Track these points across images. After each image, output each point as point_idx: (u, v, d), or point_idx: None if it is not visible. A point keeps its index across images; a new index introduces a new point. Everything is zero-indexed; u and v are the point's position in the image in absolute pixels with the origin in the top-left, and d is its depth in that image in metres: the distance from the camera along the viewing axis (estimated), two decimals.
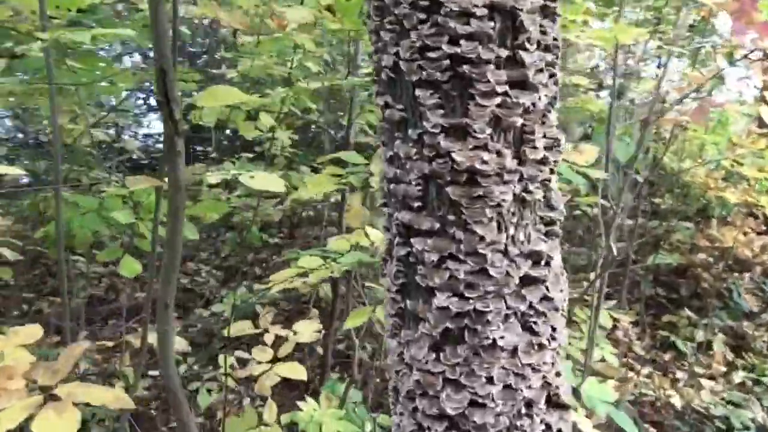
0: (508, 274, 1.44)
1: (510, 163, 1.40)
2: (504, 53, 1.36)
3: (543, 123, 1.46)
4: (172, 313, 2.19)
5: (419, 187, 1.45)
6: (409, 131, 1.45)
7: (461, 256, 1.43)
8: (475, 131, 1.37)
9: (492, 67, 1.35)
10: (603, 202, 3.49)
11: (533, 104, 1.40)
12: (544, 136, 1.45)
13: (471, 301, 1.43)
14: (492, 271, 1.42)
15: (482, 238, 1.41)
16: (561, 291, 1.55)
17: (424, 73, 1.37)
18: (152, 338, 4.42)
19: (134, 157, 7.22)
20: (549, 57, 1.43)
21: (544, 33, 1.41)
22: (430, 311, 1.47)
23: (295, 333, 3.09)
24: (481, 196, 1.39)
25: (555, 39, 1.45)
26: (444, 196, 1.42)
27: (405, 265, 1.53)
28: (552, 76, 1.46)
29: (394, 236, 1.54)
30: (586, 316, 4.31)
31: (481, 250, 1.41)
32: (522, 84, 1.39)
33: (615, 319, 4.77)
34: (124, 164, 7.40)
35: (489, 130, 1.38)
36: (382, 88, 1.50)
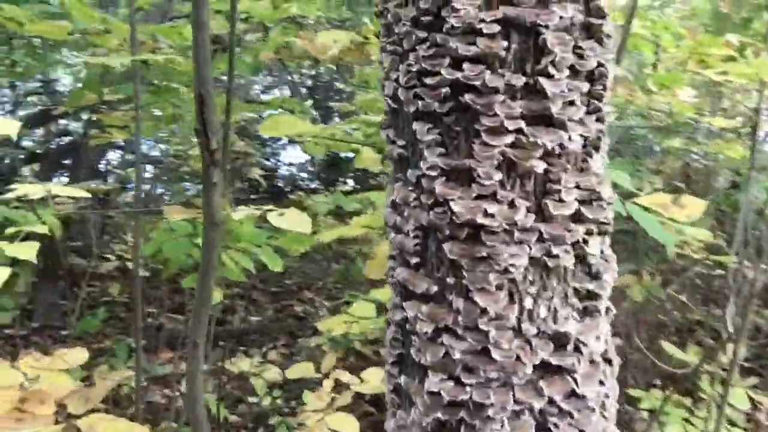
0: (518, 358, 1.13)
1: (523, 218, 1.10)
2: (519, 81, 1.08)
3: (579, 170, 1.15)
4: (202, 352, 2.06)
5: (417, 240, 1.19)
6: (408, 172, 1.20)
7: (459, 330, 1.14)
8: (479, 176, 1.09)
9: (501, 97, 1.07)
10: (733, 261, 2.95)
11: (560, 146, 1.10)
12: (578, 187, 1.14)
13: (468, 388, 1.13)
14: (495, 354, 1.12)
15: (484, 311, 1.12)
16: (602, 385, 1.21)
17: (420, 102, 1.12)
18: (242, 365, 4.39)
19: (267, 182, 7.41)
20: (587, 87, 1.12)
21: (581, 57, 1.10)
22: (421, 394, 1.19)
23: (361, 381, 2.87)
24: (485, 257, 1.11)
25: (601, 65, 1.14)
26: (444, 253, 1.15)
27: (402, 333, 1.27)
28: (594, 111, 1.15)
29: (395, 296, 1.29)
30: (716, 393, 3.68)
31: (482, 326, 1.12)
32: (545, 120, 1.10)
33: (756, 401, 4.04)
34: (256, 190, 7.64)
35: (498, 176, 1.10)
36: (387, 119, 1.27)
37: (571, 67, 1.10)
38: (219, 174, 1.90)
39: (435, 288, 1.17)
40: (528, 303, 1.15)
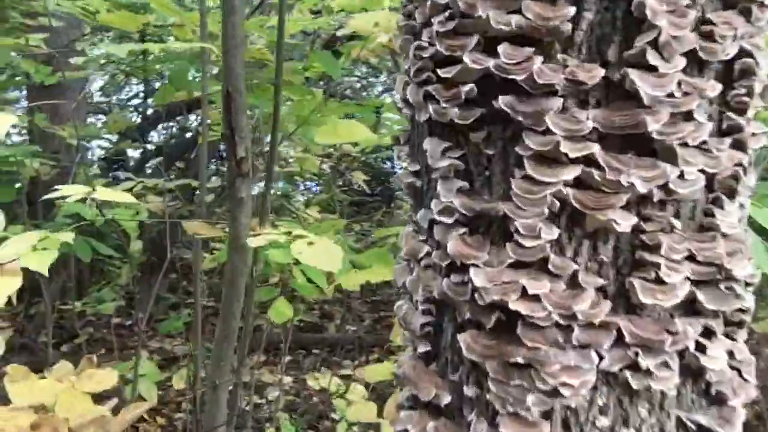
0: None
1: (591, 306, 0.65)
2: (594, 75, 0.63)
3: (696, 229, 0.68)
4: (224, 397, 1.75)
5: (426, 318, 0.77)
6: (420, 213, 0.79)
7: None
8: (520, 231, 0.66)
9: (560, 102, 0.63)
10: None
11: (664, 188, 0.64)
12: (693, 259, 0.67)
13: None
14: None
15: None
16: None
17: (432, 107, 0.70)
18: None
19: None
20: (717, 89, 0.65)
21: (709, 37, 0.64)
22: None
23: None
24: (523, 365, 0.67)
25: (746, 54, 0.66)
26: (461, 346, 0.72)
27: None
28: (730, 131, 0.68)
29: (401, 395, 0.88)
30: None
31: None
32: (637, 143, 0.64)
33: None
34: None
35: (552, 233, 0.66)
36: (403, 132, 0.86)
37: (690, 54, 0.63)
38: (247, 188, 1.56)
39: (447, 398, 0.75)
40: None
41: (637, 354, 0.66)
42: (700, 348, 0.69)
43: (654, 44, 0.62)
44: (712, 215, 0.68)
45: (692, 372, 0.71)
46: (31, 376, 2.07)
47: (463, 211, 0.69)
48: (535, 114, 0.63)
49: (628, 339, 0.66)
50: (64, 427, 1.94)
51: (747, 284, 0.71)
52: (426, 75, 0.71)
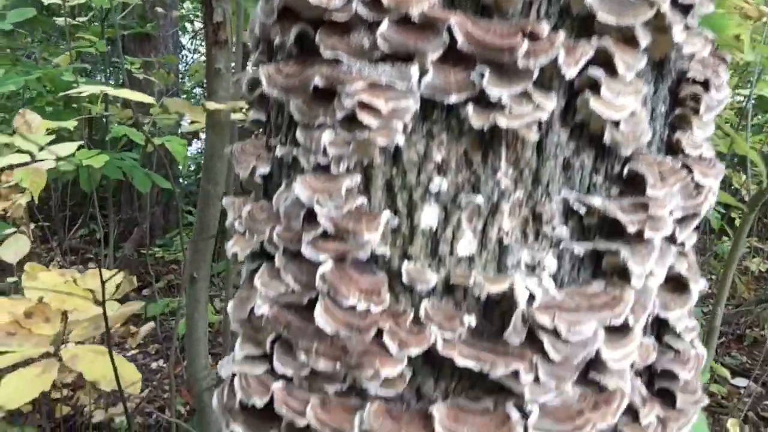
0: None
1: None
2: None
3: None
4: (205, 288, 1.65)
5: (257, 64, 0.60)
6: None
7: None
8: None
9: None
10: None
11: None
12: None
13: None
14: None
15: None
16: None
17: None
18: None
19: None
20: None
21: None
22: None
23: None
24: (330, 92, 0.48)
25: None
26: None
27: None
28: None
29: None
30: None
31: None
32: None
33: None
34: None
35: None
36: None
37: None
38: (226, 58, 1.43)
39: (266, 168, 0.57)
40: None
41: (482, 76, 0.45)
42: (591, 85, 0.47)
43: None
44: None
45: (591, 136, 0.49)
46: (44, 273, 2.05)
47: None
48: None
49: (461, 44, 0.44)
50: (57, 318, 1.90)
51: None
52: None
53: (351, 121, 0.46)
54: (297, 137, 0.51)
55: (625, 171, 0.51)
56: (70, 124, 1.87)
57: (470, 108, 0.46)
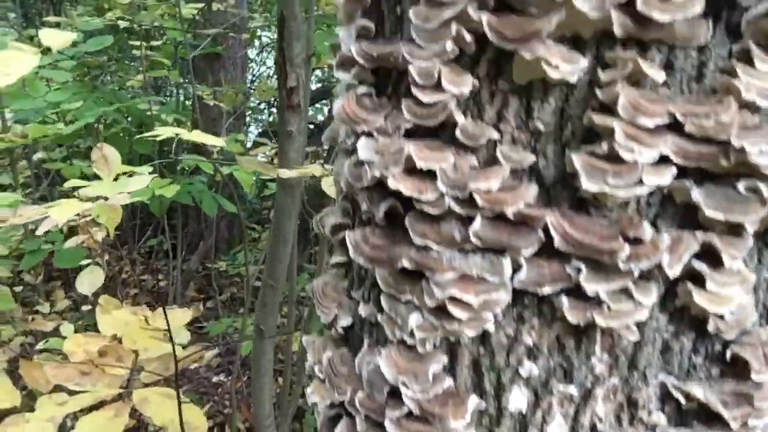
0: None
1: (510, 188, 0.44)
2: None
3: (702, 92, 0.44)
4: (271, 342, 1.67)
5: (339, 218, 0.59)
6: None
7: None
8: (416, 82, 0.46)
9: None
10: None
11: (632, 10, 0.41)
12: (679, 131, 0.42)
13: None
14: None
15: None
16: None
17: None
18: None
19: None
20: None
21: None
22: None
23: None
24: (418, 273, 0.47)
25: None
26: None
27: None
28: None
29: None
30: None
31: None
32: None
33: None
34: None
35: (457, 82, 0.45)
36: None
37: None
38: (298, 121, 1.45)
39: (348, 320, 0.57)
40: None
41: (578, 270, 0.43)
42: (695, 278, 0.45)
43: None
44: (731, 74, 0.43)
45: (691, 319, 0.46)
46: (118, 311, 2.11)
47: (361, 60, 0.50)
48: None
49: (558, 243, 0.43)
50: (129, 357, 1.96)
51: None
52: None
53: (440, 308, 0.45)
54: (382, 304, 0.50)
55: (728, 353, 0.48)
56: (145, 169, 1.93)
57: (565, 301, 0.44)
